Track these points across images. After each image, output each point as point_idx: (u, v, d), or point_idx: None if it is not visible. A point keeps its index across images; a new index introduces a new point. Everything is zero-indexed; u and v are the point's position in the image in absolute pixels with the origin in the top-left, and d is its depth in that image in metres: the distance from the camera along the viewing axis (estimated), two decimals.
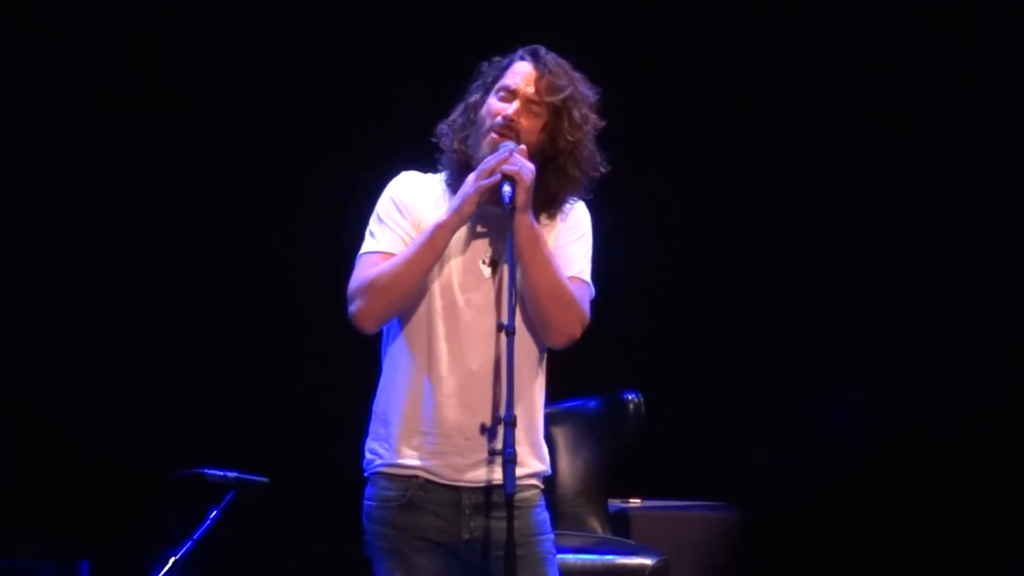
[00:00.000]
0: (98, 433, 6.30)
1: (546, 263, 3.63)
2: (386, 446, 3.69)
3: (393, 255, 3.67)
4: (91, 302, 6.39)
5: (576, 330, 3.67)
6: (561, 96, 3.69)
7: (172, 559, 4.60)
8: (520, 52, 3.77)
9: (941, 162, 6.51)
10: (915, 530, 6.43)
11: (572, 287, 3.67)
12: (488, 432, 3.61)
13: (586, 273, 3.75)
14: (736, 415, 6.56)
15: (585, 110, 3.73)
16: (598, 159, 3.76)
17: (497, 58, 3.80)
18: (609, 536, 5.71)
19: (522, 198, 3.59)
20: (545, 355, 3.75)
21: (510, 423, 3.47)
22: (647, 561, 5.36)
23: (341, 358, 5.99)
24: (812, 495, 6.48)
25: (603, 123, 3.77)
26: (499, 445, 3.50)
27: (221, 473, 4.76)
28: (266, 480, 4.79)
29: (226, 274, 6.39)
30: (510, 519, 3.51)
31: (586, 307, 3.70)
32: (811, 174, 6.60)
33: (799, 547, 6.43)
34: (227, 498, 4.73)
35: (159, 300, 6.42)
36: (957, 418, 6.48)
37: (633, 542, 5.66)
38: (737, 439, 6.52)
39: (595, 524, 5.72)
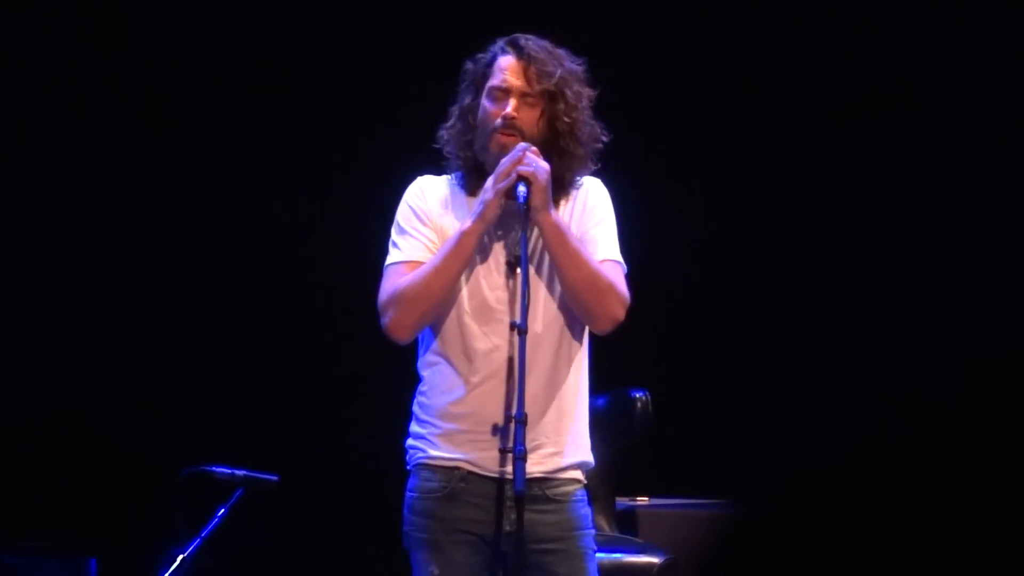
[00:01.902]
0: (106, 430, 6.30)
1: (577, 255, 3.64)
2: (427, 442, 3.71)
3: (419, 263, 3.70)
4: (99, 297, 6.39)
5: (619, 313, 3.69)
6: (552, 81, 3.69)
7: (180, 557, 4.60)
8: (500, 44, 3.77)
9: (947, 156, 6.53)
10: (920, 527, 6.43)
11: (606, 271, 3.68)
12: (519, 428, 3.58)
13: (615, 252, 3.76)
14: (743, 413, 6.56)
15: (577, 87, 3.74)
16: (598, 131, 3.77)
17: (480, 55, 3.79)
18: (616, 534, 5.71)
19: (539, 198, 3.60)
20: (585, 342, 3.76)
21: (521, 421, 3.48)
22: (655, 559, 5.36)
23: (352, 356, 6.01)
24: (819, 494, 6.48)
25: (596, 92, 3.77)
26: (533, 440, 3.53)
27: (229, 471, 4.76)
28: (275, 479, 4.79)
29: (236, 270, 6.39)
30: (520, 517, 3.53)
31: (623, 288, 3.71)
32: (817, 173, 6.60)
33: (806, 546, 6.43)
34: (235, 496, 4.73)
35: (168, 295, 6.42)
36: (957, 414, 6.48)
37: (640, 540, 5.66)
38: (744, 438, 6.52)
39: (602, 522, 5.72)
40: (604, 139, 3.78)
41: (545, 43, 3.75)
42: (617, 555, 5.38)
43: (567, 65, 3.74)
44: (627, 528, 5.81)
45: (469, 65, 3.79)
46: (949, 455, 6.46)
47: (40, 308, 6.39)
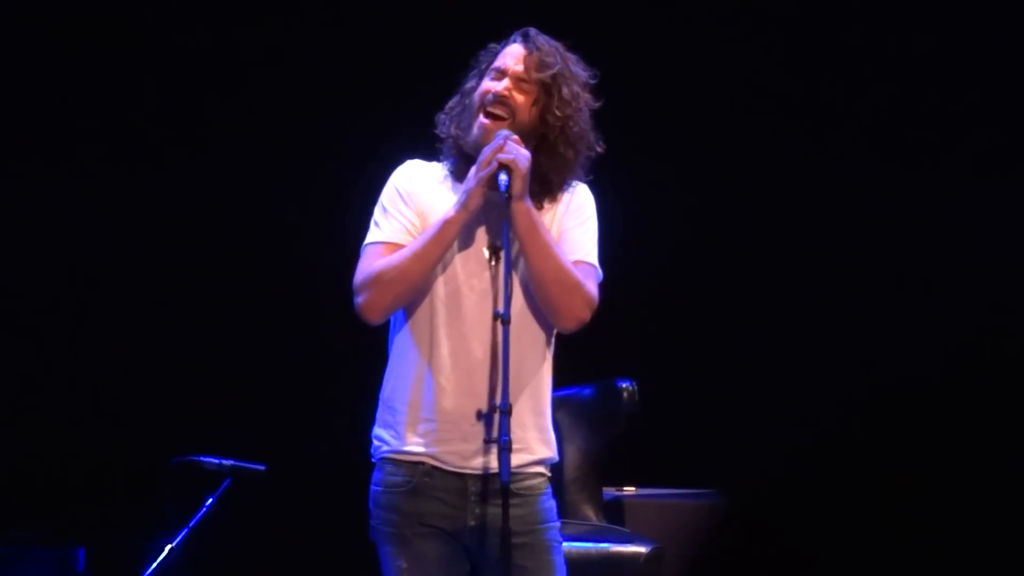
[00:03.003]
0: (94, 420, 6.30)
1: (547, 248, 3.64)
2: (392, 433, 3.71)
3: (398, 245, 3.70)
4: (88, 291, 6.39)
5: (584, 314, 3.68)
6: (550, 73, 3.71)
7: (168, 546, 4.61)
8: (513, 35, 3.80)
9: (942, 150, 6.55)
10: (905, 515, 6.45)
11: (577, 271, 3.68)
12: (488, 419, 3.62)
13: (592, 256, 3.76)
14: (730, 404, 6.57)
15: (576, 88, 3.75)
16: (592, 139, 3.77)
17: (493, 44, 3.83)
18: (603, 524, 5.71)
19: (518, 186, 3.60)
20: (552, 340, 3.77)
21: (505, 411, 3.48)
22: (641, 549, 5.36)
23: (339, 346, 6.01)
24: (804, 482, 6.50)
25: (598, 103, 3.78)
26: (504, 432, 3.49)
27: (216, 461, 4.77)
28: (262, 468, 4.80)
29: (223, 262, 6.39)
30: (505, 508, 3.53)
31: (592, 290, 3.71)
32: (803, 164, 6.61)
33: (792, 535, 6.44)
34: (223, 486, 4.74)
35: (156, 288, 6.42)
36: (942, 404, 6.50)
37: (627, 530, 5.67)
38: (730, 427, 6.54)
39: (589, 512, 5.72)
40: (598, 149, 3.79)
41: (557, 43, 3.78)
42: (604, 545, 5.39)
43: (571, 66, 3.76)
44: (614, 518, 5.81)
45: (481, 54, 3.82)
46: (934, 444, 6.48)
47: (31, 302, 6.38)
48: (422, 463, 3.67)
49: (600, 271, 3.77)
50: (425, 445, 3.67)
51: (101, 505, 6.20)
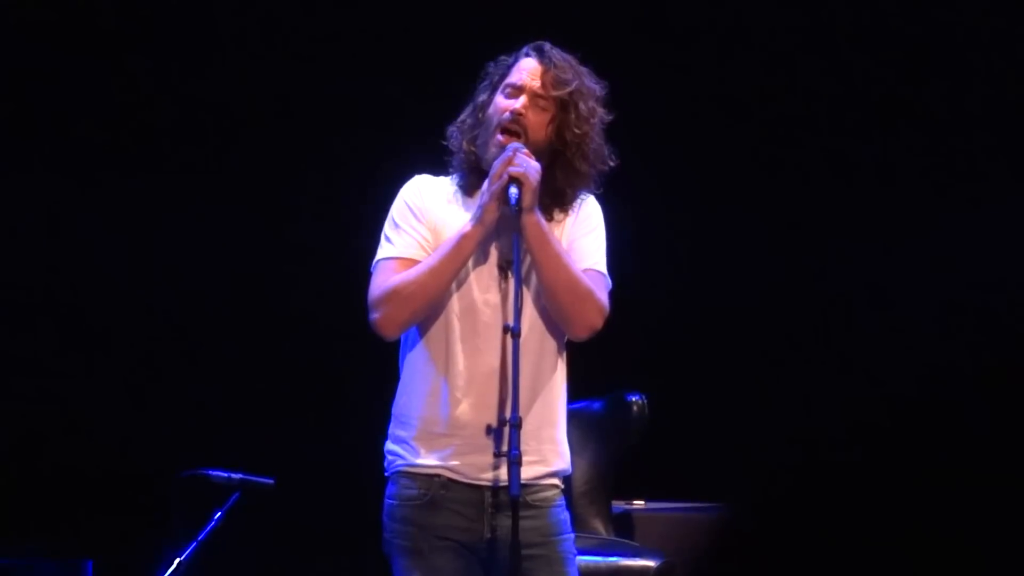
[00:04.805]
0: (103, 432, 6.29)
1: (558, 259, 3.65)
2: (407, 447, 3.71)
3: (411, 260, 3.70)
4: (95, 300, 6.39)
5: (597, 321, 3.69)
6: (567, 90, 3.72)
7: (176, 560, 4.60)
8: (525, 49, 3.80)
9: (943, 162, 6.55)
10: (914, 529, 6.43)
11: (588, 279, 3.69)
12: (501, 432, 3.61)
13: (601, 264, 3.77)
14: (740, 417, 6.56)
15: (592, 103, 3.76)
16: (606, 153, 3.78)
17: (503, 57, 3.82)
18: (613, 538, 5.71)
19: (528, 198, 3.60)
20: (564, 351, 3.77)
21: (515, 425, 3.48)
22: (651, 563, 5.36)
23: (349, 359, 6.01)
24: (813, 496, 6.49)
25: (611, 117, 3.79)
26: (515, 446, 3.48)
27: (225, 474, 4.76)
28: (271, 482, 4.79)
29: (233, 273, 6.39)
30: (515, 521, 3.50)
31: (603, 297, 3.72)
32: (815, 178, 6.61)
33: (801, 549, 6.43)
34: (231, 499, 4.74)
35: (165, 298, 6.41)
36: (951, 416, 6.50)
37: (637, 544, 5.67)
38: (740, 441, 6.52)
39: (599, 526, 5.72)
40: (611, 163, 3.79)
41: (570, 56, 3.78)
42: (613, 559, 5.38)
43: (586, 80, 3.77)
44: (623, 531, 5.81)
45: (491, 65, 3.82)
46: (943, 458, 6.47)
47: (37, 312, 6.38)
48: (438, 476, 3.67)
49: (609, 279, 3.78)
50: (441, 458, 3.67)
51: (109, 518, 6.20)
